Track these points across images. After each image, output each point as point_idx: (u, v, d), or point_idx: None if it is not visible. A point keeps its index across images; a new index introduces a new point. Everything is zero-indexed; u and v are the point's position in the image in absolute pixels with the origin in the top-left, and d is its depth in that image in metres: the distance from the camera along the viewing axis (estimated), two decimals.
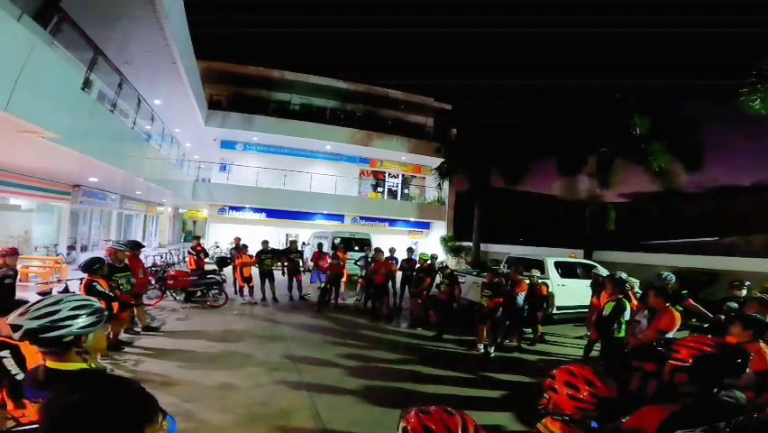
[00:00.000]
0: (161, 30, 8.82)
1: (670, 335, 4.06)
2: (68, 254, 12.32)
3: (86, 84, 7.02)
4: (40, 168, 9.40)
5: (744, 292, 5.22)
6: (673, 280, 5.84)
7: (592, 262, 10.41)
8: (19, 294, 5.35)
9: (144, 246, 8.36)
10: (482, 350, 6.69)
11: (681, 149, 12.67)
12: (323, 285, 9.74)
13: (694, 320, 5.78)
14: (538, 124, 15.73)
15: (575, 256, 12.78)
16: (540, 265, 9.23)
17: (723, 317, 4.79)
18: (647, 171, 13.20)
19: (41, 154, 7.35)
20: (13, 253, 5.29)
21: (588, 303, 7.84)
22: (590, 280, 8.12)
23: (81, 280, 6.24)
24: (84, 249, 13.79)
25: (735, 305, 4.86)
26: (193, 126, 17.36)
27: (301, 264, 10.68)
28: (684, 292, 5.92)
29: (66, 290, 6.10)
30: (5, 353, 1.95)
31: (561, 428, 1.61)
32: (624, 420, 1.83)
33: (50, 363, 1.36)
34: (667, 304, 4.26)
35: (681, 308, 5.08)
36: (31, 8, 5.78)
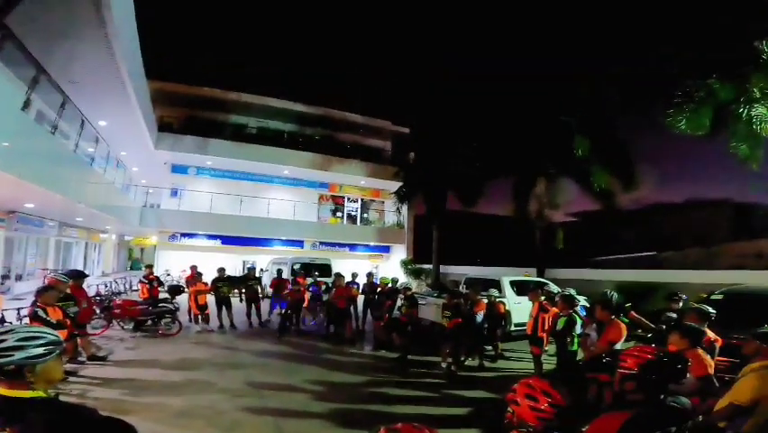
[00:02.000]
0: (110, 49, 8.46)
1: (618, 346, 4.31)
2: (1, 284, 11.39)
3: (26, 104, 6.61)
4: None
5: (680, 304, 5.54)
6: (615, 297, 6.15)
7: (544, 280, 10.88)
8: None
9: (87, 275, 7.85)
10: (446, 369, 6.74)
11: (618, 169, 13.45)
12: (283, 312, 9.49)
13: (640, 331, 6.15)
14: (491, 146, 16.33)
15: (528, 275, 13.30)
16: (497, 285, 9.51)
17: (664, 327, 5.12)
18: (590, 191, 13.94)
19: None
20: None
21: None
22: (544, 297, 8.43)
23: (18, 309, 6.17)
24: (19, 278, 12.76)
25: (673, 315, 5.23)
26: (141, 149, 16.48)
27: (260, 291, 10.38)
28: (627, 305, 6.29)
29: (2, 321, 5.77)
30: None
31: None
32: (583, 429, 1.94)
33: (2, 390, 1.33)
34: (612, 316, 4.54)
35: (626, 320, 5.43)
36: None
